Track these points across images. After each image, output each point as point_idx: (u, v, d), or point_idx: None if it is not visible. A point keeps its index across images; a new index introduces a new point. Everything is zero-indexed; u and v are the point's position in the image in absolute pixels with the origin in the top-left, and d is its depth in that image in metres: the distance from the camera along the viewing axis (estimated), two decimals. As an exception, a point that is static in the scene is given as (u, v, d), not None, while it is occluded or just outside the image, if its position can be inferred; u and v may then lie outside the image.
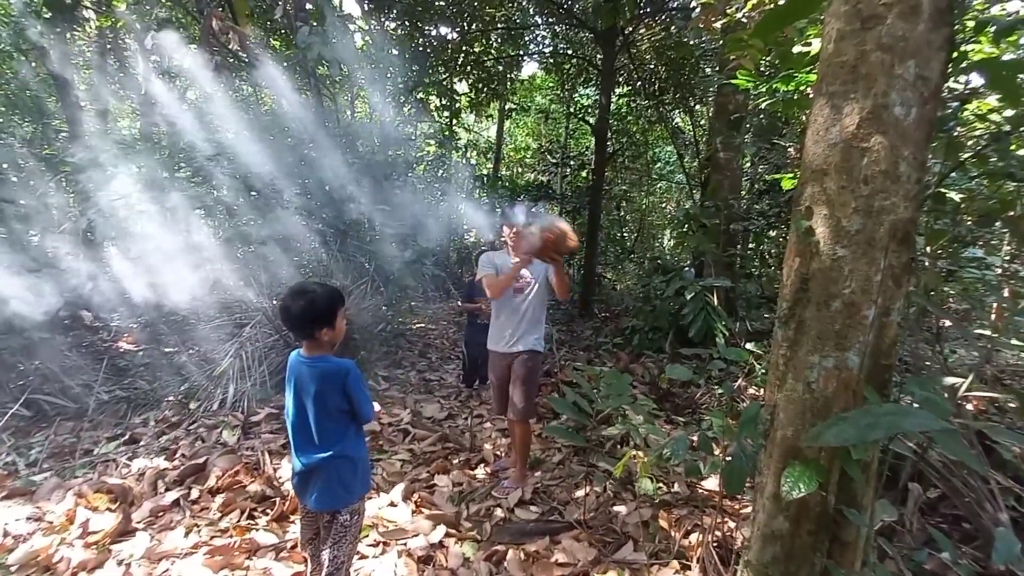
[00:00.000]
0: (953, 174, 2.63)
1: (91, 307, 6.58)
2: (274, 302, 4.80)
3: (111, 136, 5.25)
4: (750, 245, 8.12)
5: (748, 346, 4.24)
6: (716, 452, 2.29)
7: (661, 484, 3.00)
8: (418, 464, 3.21)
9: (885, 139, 1.01)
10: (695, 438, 1.93)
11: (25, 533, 2.18)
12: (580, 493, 2.83)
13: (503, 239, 2.93)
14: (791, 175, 3.52)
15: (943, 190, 2.62)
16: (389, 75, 9.19)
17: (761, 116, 5.35)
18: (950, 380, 1.85)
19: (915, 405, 1.14)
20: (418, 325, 8.17)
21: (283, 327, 4.28)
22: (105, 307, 6.65)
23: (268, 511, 2.46)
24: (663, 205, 17.87)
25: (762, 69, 5.11)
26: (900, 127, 1.01)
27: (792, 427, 1.13)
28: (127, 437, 3.42)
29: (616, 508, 2.64)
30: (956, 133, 2.37)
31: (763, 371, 4.11)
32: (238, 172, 5.23)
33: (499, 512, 2.66)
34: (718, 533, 2.14)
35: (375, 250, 5.21)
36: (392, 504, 2.66)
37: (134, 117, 10.21)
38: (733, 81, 3.51)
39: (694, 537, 2.24)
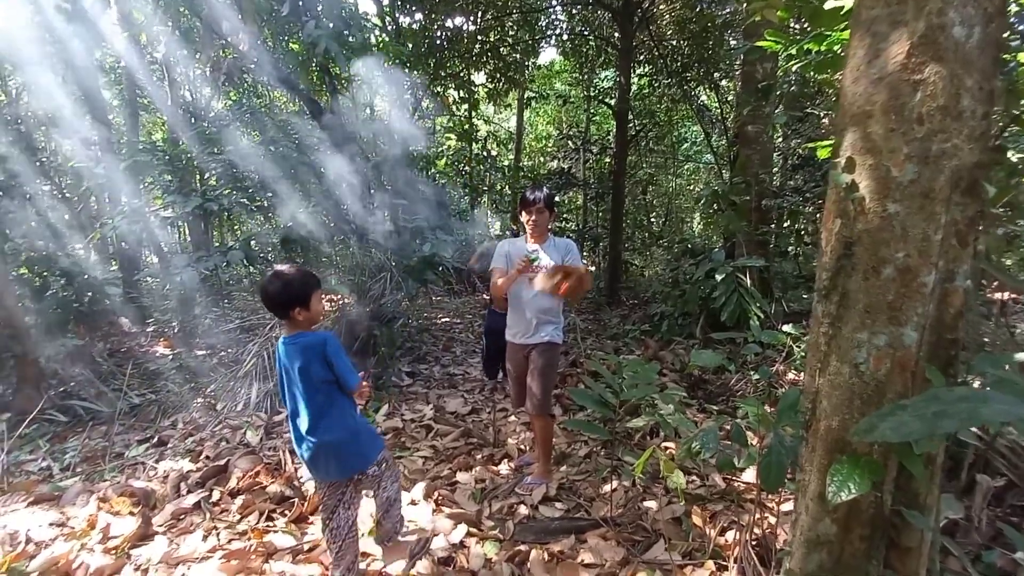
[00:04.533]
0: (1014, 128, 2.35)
1: (128, 313, 6.78)
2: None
3: (140, 146, 5.35)
4: (785, 223, 7.76)
5: (785, 328, 3.99)
6: (753, 443, 2.11)
7: (694, 477, 2.84)
8: (440, 461, 3.13)
9: (942, 67, 0.83)
10: (728, 428, 1.77)
11: (48, 539, 2.19)
12: (607, 488, 2.69)
13: (521, 223, 2.81)
14: (827, 144, 3.26)
15: (1002, 143, 2.36)
16: (406, 69, 9.12)
17: (791, 83, 5.03)
18: (1021, 357, 1.63)
19: (987, 388, 0.96)
20: (443, 319, 8.13)
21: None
22: (142, 313, 6.85)
23: (287, 512, 2.42)
24: (690, 187, 17.36)
25: (792, 30, 4.80)
26: (961, 51, 0.83)
27: (838, 417, 0.97)
28: (156, 440, 3.46)
29: (646, 504, 2.49)
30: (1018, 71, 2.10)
31: (802, 354, 3.87)
32: (255, 174, 5.25)
33: (522, 509, 2.55)
34: (757, 531, 1.97)
35: (395, 245, 5.15)
36: (413, 503, 2.58)
37: (162, 126, 10.47)
38: (760, 44, 3.28)
39: (731, 535, 2.07)
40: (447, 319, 8.23)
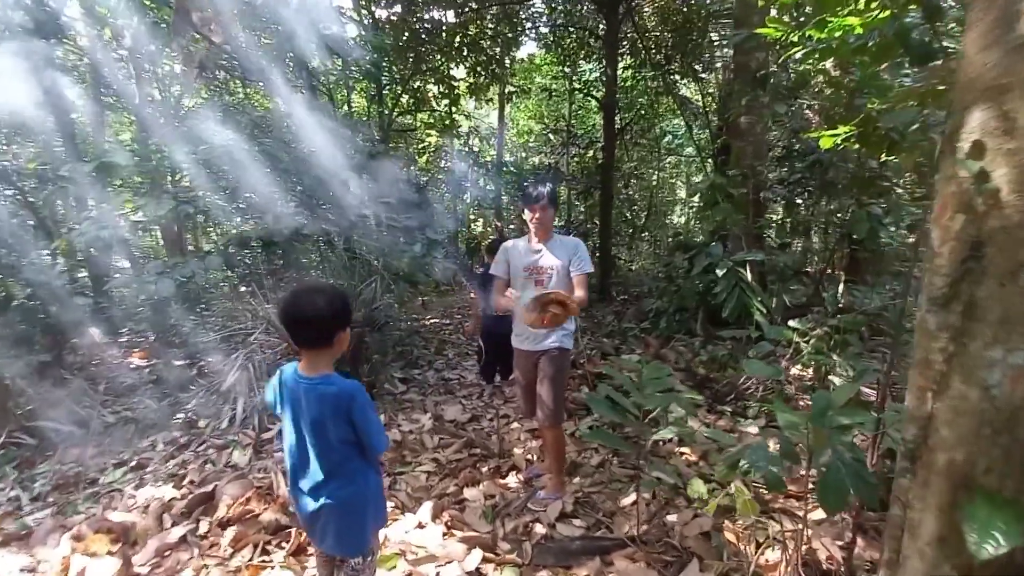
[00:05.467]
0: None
1: (99, 323, 6.41)
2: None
3: (108, 148, 5.01)
4: (774, 215, 7.73)
5: (791, 323, 3.91)
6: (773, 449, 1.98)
7: (713, 483, 2.71)
8: (445, 476, 2.95)
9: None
10: (775, 444, 1.63)
11: (15, 588, 1.95)
12: (627, 501, 2.54)
13: (525, 221, 2.63)
14: (830, 133, 3.16)
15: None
16: (384, 64, 8.85)
17: (790, 73, 4.95)
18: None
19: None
20: (432, 320, 7.92)
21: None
22: (114, 322, 6.48)
23: (284, 543, 2.22)
24: (672, 181, 17.37)
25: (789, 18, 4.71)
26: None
27: (963, 449, 0.83)
28: (134, 463, 3.20)
29: (671, 518, 2.35)
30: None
31: (810, 351, 3.78)
32: (232, 174, 4.96)
33: (539, 528, 2.39)
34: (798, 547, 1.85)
35: (382, 246, 4.93)
36: (420, 525, 2.40)
37: (131, 127, 10.00)
38: (761, 31, 3.17)
39: (771, 554, 1.94)
40: (436, 319, 8.03)
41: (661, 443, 3.07)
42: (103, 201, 4.39)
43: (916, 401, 0.92)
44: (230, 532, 2.25)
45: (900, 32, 2.58)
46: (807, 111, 7.98)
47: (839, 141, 2.79)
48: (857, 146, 2.88)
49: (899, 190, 6.17)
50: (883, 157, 3.60)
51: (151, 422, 3.78)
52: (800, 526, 1.76)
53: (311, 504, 1.46)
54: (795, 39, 3.19)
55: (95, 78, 7.18)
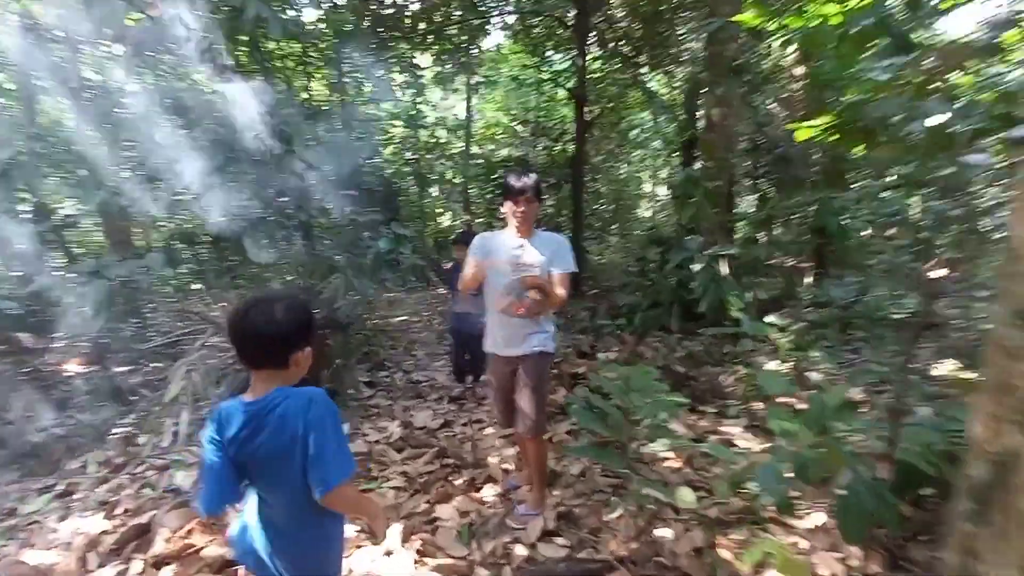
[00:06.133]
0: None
1: (31, 327, 5.87)
2: (228, 311, 4.21)
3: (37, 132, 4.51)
4: (743, 208, 7.76)
5: (769, 319, 3.84)
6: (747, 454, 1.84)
7: (701, 490, 2.58)
8: (415, 492, 2.71)
9: None
10: (785, 465, 1.47)
11: None
12: (612, 516, 2.38)
13: (503, 215, 2.42)
14: (809, 125, 3.06)
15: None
16: (346, 51, 8.43)
17: (763, 63, 4.88)
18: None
19: None
20: (400, 318, 7.62)
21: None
22: (48, 325, 5.94)
23: (230, 583, 1.95)
24: (639, 175, 17.44)
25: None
26: None
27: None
28: (61, 489, 2.84)
29: (660, 532, 2.20)
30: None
31: (789, 347, 3.72)
32: (176, 163, 4.55)
33: (519, 549, 2.19)
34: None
35: (345, 241, 4.62)
36: (388, 552, 2.17)
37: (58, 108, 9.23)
38: (739, 18, 3.05)
39: (771, 574, 1.80)
40: (404, 317, 7.73)
41: (643, 443, 2.93)
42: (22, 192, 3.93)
43: (989, 433, 0.76)
44: (167, 573, 1.96)
45: (882, 20, 2.46)
46: (771, 104, 8.04)
47: (817, 133, 2.68)
48: (834, 138, 2.78)
49: (869, 182, 6.24)
50: (858, 150, 3.53)
51: (83, 440, 3.40)
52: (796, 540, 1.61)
53: (260, 545, 1.21)
54: (773, 27, 3.07)
55: (25, 59, 6.53)
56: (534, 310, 2.21)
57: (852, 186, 6.38)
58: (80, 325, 4.96)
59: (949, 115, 2.08)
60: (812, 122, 2.65)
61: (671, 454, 2.90)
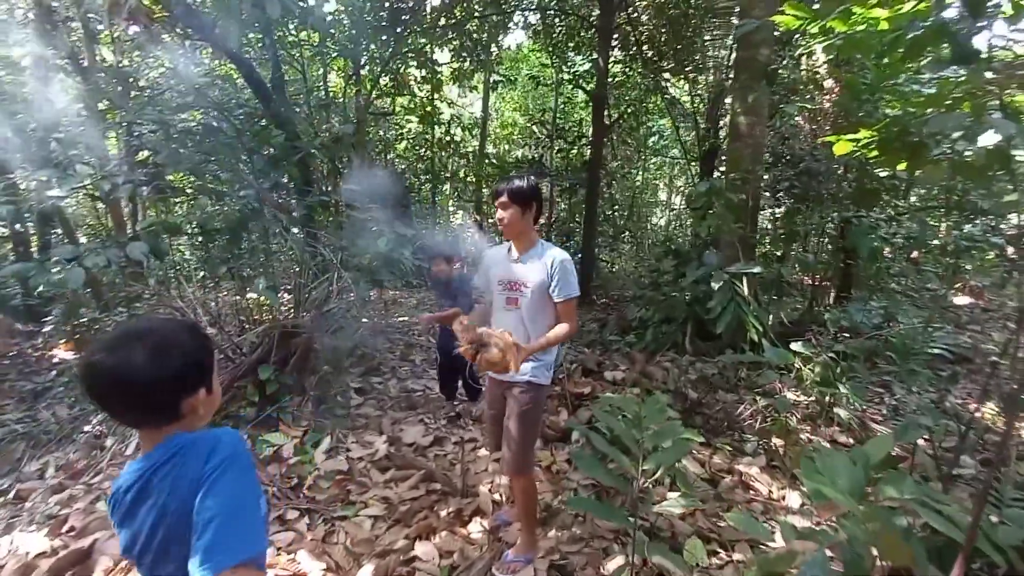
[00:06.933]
0: None
1: (15, 309, 5.72)
2: (213, 304, 3.98)
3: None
4: (766, 224, 7.41)
5: (794, 346, 3.53)
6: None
7: (713, 543, 2.29)
8: (395, 522, 2.45)
9: None
10: (832, 550, 1.19)
11: None
12: (612, 566, 2.10)
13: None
14: (850, 137, 2.76)
15: None
16: (363, 42, 8.23)
17: (801, 70, 4.57)
18: None
19: None
20: (400, 319, 7.38)
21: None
22: (34, 311, 5.78)
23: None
24: (656, 182, 17.12)
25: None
26: None
27: None
28: (13, 494, 2.61)
29: (667, 595, 1.91)
30: None
31: (816, 379, 3.40)
32: (178, 148, 4.34)
33: (506, 605, 1.92)
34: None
35: (344, 239, 4.38)
36: (356, 598, 1.91)
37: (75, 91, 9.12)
38: (777, 18, 2.76)
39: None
40: (404, 318, 7.48)
41: (652, 486, 2.64)
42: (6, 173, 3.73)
43: None
44: (100, 611, 1.71)
45: (941, 27, 2.15)
46: (797, 116, 7.69)
47: (855, 148, 2.40)
48: (874, 154, 2.48)
49: (900, 202, 5.90)
50: (900, 167, 3.20)
51: (49, 438, 3.18)
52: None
53: None
54: (814, 30, 2.77)
55: (40, 35, 6.39)
56: (483, 368, 1.81)
57: (881, 205, 6.05)
58: (67, 312, 4.79)
59: (1013, 133, 1.80)
60: (851, 136, 2.36)
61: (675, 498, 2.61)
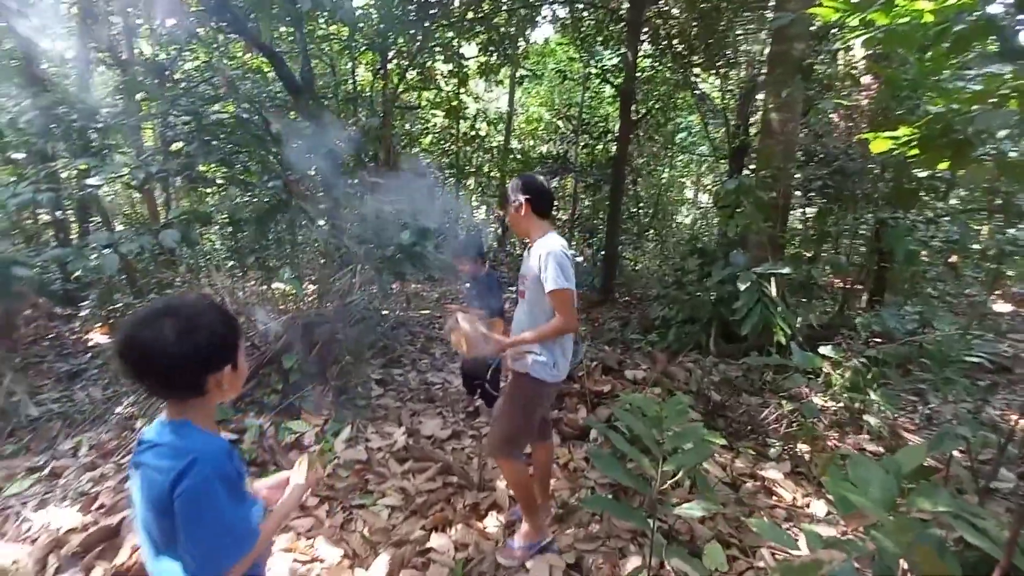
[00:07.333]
0: None
1: (55, 293, 5.91)
2: (240, 293, 4.06)
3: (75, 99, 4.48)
4: (797, 224, 7.21)
5: (823, 350, 3.42)
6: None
7: (732, 548, 2.24)
8: (411, 513, 2.47)
9: None
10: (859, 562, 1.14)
11: None
12: (629, 567, 2.07)
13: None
14: (888, 135, 2.65)
15: None
16: (391, 36, 8.26)
17: (829, 67, 4.42)
18: None
19: None
20: (423, 312, 7.42)
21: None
22: (71, 295, 5.98)
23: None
24: (682, 180, 16.83)
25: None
26: None
27: None
28: (48, 471, 2.72)
29: (685, 600, 1.88)
30: None
31: (844, 384, 3.30)
32: (209, 139, 4.45)
33: (519, 601, 1.92)
34: None
35: (368, 231, 4.42)
36: (371, 586, 1.93)
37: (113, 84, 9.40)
38: (815, 11, 2.66)
39: None
40: (427, 311, 7.53)
41: (672, 488, 2.60)
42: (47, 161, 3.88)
43: None
44: (126, 587, 1.77)
45: (988, 22, 2.05)
46: (832, 113, 7.44)
47: (894, 146, 2.30)
48: (914, 152, 2.37)
49: (940, 204, 5.67)
50: (941, 167, 3.08)
51: (83, 417, 3.29)
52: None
53: None
54: (854, 23, 2.66)
55: (83, 31, 6.61)
56: (456, 348, 2.06)
57: (920, 207, 5.82)
58: (103, 297, 4.95)
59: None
60: (890, 133, 2.26)
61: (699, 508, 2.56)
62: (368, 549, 2.17)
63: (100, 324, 5.57)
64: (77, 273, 3.32)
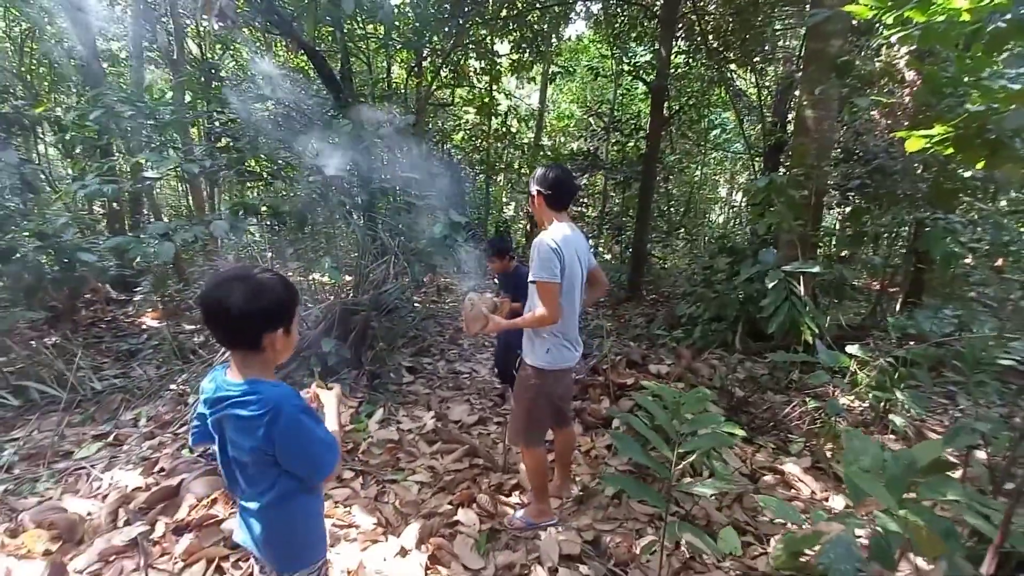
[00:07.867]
0: None
1: (110, 280, 6.29)
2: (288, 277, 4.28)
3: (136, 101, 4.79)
4: (830, 223, 7.07)
5: (850, 349, 3.41)
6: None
7: (748, 535, 2.31)
8: (439, 489, 2.62)
9: None
10: (863, 539, 1.22)
11: (-71, 589, 1.72)
12: (644, 543, 2.16)
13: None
14: (923, 133, 2.64)
15: None
16: (426, 34, 8.45)
17: (868, 64, 4.36)
18: None
19: None
20: (452, 303, 7.61)
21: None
22: (128, 280, 6.36)
23: (242, 562, 1.92)
24: (716, 177, 16.57)
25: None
26: None
27: None
28: (112, 438, 2.98)
29: (698, 578, 1.97)
30: None
31: (870, 383, 3.29)
32: (258, 135, 4.69)
33: (538, 572, 2.04)
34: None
35: (402, 224, 4.60)
36: (402, 552, 2.08)
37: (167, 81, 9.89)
38: (850, 8, 2.67)
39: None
40: (455, 302, 7.71)
41: (689, 476, 2.67)
42: (110, 154, 4.18)
43: None
44: (185, 540, 1.97)
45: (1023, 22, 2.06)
46: (873, 111, 7.24)
47: (930, 144, 2.30)
48: (949, 151, 2.37)
49: (987, 205, 5.50)
50: (978, 166, 3.05)
51: (141, 392, 3.57)
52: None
53: (241, 510, 1.20)
54: (890, 20, 2.67)
55: (136, 31, 7.02)
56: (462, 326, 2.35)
57: (961, 207, 5.65)
58: (156, 282, 5.29)
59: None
60: (924, 132, 2.27)
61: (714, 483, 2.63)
62: (400, 519, 2.32)
63: (152, 309, 5.94)
64: (136, 259, 3.59)
